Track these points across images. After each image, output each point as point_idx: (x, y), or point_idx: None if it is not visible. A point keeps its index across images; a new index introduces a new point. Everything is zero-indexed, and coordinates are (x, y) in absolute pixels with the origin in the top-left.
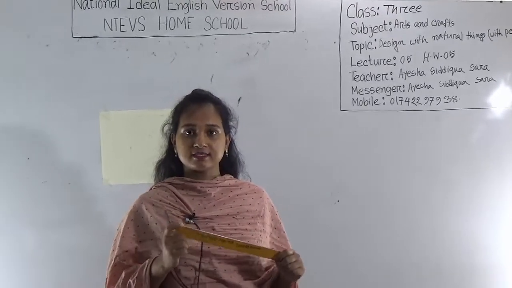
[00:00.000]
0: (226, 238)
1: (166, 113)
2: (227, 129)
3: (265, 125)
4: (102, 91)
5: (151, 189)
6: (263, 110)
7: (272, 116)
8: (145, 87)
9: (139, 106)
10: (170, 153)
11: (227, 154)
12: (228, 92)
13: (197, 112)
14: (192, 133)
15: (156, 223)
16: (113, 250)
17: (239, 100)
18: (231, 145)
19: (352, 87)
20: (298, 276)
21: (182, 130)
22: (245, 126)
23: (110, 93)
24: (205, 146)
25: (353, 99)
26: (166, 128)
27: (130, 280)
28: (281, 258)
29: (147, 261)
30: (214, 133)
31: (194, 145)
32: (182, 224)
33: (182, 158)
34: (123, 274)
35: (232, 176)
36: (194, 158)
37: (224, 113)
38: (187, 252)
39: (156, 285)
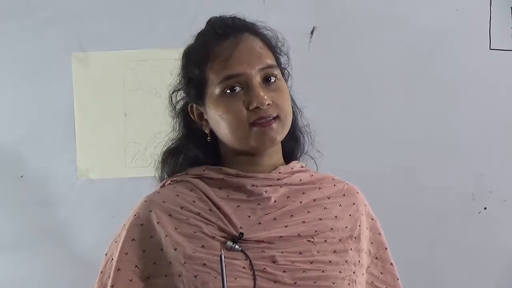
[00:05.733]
0: None
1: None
2: (283, 71)
3: (357, 75)
4: (76, 19)
5: (163, 185)
6: (352, 50)
7: (367, 59)
8: (147, 12)
9: (138, 44)
10: (192, 140)
11: None
12: (292, 20)
13: (236, 52)
14: (239, 90)
15: (175, 248)
16: None
17: (312, 32)
18: None
19: None
20: None
21: (218, 90)
22: (320, 75)
23: (88, 22)
24: (269, 104)
25: None
26: (176, 97)
27: None
28: None
29: None
30: (272, 79)
31: (251, 107)
32: None
33: (232, 138)
34: None
35: (305, 166)
36: (258, 129)
37: (271, 43)
38: None
39: None
